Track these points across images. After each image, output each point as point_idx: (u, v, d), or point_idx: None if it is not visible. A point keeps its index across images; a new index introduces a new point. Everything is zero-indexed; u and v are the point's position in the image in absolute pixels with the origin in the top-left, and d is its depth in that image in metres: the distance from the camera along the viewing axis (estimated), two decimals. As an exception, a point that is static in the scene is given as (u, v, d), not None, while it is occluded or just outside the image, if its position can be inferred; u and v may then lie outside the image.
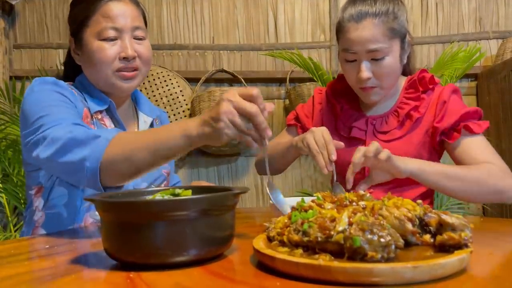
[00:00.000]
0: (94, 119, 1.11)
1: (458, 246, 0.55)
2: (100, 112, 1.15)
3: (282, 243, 0.60)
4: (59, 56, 2.90)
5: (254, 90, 0.74)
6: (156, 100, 2.69)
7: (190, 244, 0.60)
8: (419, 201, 0.64)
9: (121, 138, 0.88)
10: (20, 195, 2.39)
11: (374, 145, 0.98)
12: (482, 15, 2.81)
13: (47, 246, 0.83)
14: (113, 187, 0.90)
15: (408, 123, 1.22)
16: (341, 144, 1.09)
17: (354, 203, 0.64)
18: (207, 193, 0.73)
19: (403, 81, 1.29)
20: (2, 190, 2.42)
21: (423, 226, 0.61)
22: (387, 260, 0.51)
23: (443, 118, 1.18)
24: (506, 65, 2.46)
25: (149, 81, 2.70)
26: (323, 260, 0.51)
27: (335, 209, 0.61)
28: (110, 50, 1.09)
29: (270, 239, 0.64)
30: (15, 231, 2.41)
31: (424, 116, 1.21)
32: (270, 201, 0.99)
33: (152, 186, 1.21)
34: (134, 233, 0.59)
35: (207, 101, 2.53)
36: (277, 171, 1.39)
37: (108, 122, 1.15)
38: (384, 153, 0.98)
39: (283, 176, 2.80)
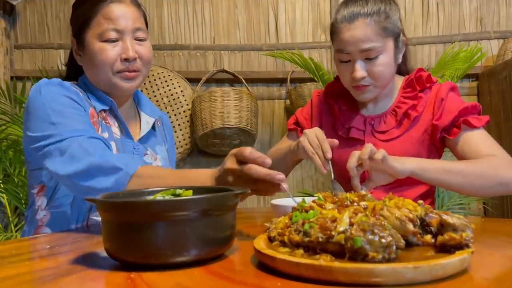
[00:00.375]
0: (99, 118, 1.13)
1: (459, 246, 0.55)
2: (104, 111, 1.16)
3: (283, 244, 0.60)
4: (60, 57, 2.90)
5: (247, 150, 0.79)
6: (157, 101, 2.69)
7: (191, 244, 0.60)
8: (420, 201, 0.64)
9: (141, 176, 0.94)
10: (21, 195, 2.39)
11: (367, 147, 0.99)
12: (483, 15, 2.81)
13: (48, 246, 0.83)
14: None
15: (406, 122, 1.22)
16: (336, 141, 1.09)
17: (355, 204, 0.64)
18: (208, 193, 0.73)
19: (400, 80, 1.30)
20: (3, 190, 2.42)
21: (424, 226, 0.61)
22: (388, 260, 0.51)
23: (442, 116, 1.18)
24: (507, 65, 2.46)
25: (150, 82, 2.70)
26: (324, 260, 0.51)
27: (336, 210, 0.61)
28: (112, 51, 1.10)
29: (271, 240, 0.64)
30: (16, 231, 2.42)
31: (422, 114, 1.22)
32: (271, 201, 0.99)
33: None
34: (135, 233, 0.59)
35: (207, 102, 2.53)
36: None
37: (112, 121, 1.17)
38: (379, 153, 0.98)
39: (284, 176, 2.79)
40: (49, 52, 2.91)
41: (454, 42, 2.70)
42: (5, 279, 0.59)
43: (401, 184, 1.20)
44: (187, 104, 2.71)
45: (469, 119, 1.15)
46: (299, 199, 0.78)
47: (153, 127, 1.28)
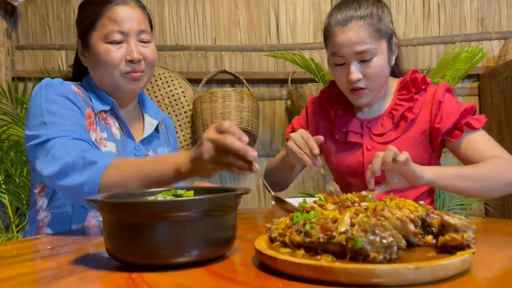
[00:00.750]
0: (97, 119, 1.13)
1: (461, 247, 0.55)
2: (105, 112, 1.16)
3: (284, 244, 0.60)
4: (61, 57, 2.91)
5: (226, 123, 0.80)
6: (158, 101, 2.69)
7: (192, 245, 0.60)
8: (421, 202, 0.64)
9: (117, 165, 0.94)
10: (23, 196, 2.40)
11: (391, 149, 0.98)
12: (484, 16, 2.81)
13: (50, 247, 0.83)
14: None
15: (403, 124, 1.23)
16: (321, 138, 1.11)
17: (356, 204, 0.64)
18: (209, 194, 0.73)
19: (395, 83, 1.30)
20: (4, 191, 2.43)
21: (425, 227, 0.61)
22: (389, 261, 0.51)
23: (442, 119, 1.19)
24: (508, 65, 2.45)
25: (151, 82, 2.70)
26: (325, 261, 0.51)
27: (337, 210, 0.61)
28: (116, 53, 1.11)
29: (272, 240, 0.64)
30: (17, 232, 2.42)
31: (418, 116, 1.23)
32: (272, 202, 0.99)
33: None
34: (136, 233, 0.59)
35: (208, 102, 2.53)
36: (283, 185, 1.40)
37: (112, 121, 1.18)
38: (403, 156, 0.97)
39: (285, 177, 2.79)
40: (50, 52, 2.91)
41: (455, 42, 2.70)
42: (7, 279, 0.59)
43: None
44: (188, 105, 2.71)
45: (470, 121, 1.16)
46: (300, 200, 0.78)
47: (157, 129, 1.29)
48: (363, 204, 0.63)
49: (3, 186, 2.43)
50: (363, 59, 1.16)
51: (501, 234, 0.87)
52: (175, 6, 2.91)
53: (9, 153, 2.41)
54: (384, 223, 0.55)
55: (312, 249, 0.56)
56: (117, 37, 1.11)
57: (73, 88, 1.12)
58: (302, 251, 0.56)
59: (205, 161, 0.81)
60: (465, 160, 1.18)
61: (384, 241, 0.51)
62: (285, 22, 2.90)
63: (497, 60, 2.71)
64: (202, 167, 0.83)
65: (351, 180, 1.28)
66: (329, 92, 1.37)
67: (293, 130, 1.43)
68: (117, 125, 1.18)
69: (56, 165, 0.95)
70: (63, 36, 2.92)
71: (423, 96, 1.24)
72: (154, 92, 2.70)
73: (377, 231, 0.51)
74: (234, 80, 2.85)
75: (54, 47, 2.91)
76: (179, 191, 0.73)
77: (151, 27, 1.21)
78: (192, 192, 0.72)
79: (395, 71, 1.31)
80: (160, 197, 0.72)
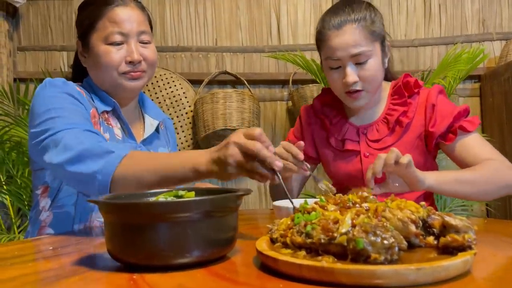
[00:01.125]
0: (101, 119, 1.14)
1: (462, 248, 0.55)
2: (107, 112, 1.17)
3: (285, 245, 0.60)
4: (63, 58, 2.91)
5: (257, 130, 0.78)
6: (159, 102, 2.70)
7: (193, 246, 0.60)
8: (423, 203, 0.64)
9: (133, 157, 0.91)
10: (24, 196, 2.40)
11: (394, 151, 0.98)
12: (486, 17, 2.81)
13: (51, 248, 0.83)
14: None
15: (399, 129, 1.23)
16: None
17: (357, 205, 0.64)
18: (210, 195, 0.73)
19: (387, 87, 1.31)
20: (6, 192, 2.43)
21: (427, 228, 0.61)
22: (390, 262, 0.51)
23: (436, 122, 1.20)
24: (509, 66, 2.45)
25: (152, 83, 2.71)
26: (326, 262, 0.51)
27: (338, 211, 0.61)
28: (116, 54, 1.11)
29: (273, 241, 0.64)
30: (19, 233, 2.42)
31: (413, 120, 1.23)
32: (273, 203, 0.99)
33: None
34: (137, 234, 0.59)
35: (210, 103, 2.53)
36: (292, 194, 1.39)
37: (114, 122, 1.18)
38: (405, 158, 0.97)
39: (286, 178, 2.79)
40: (52, 54, 2.92)
41: (456, 43, 2.70)
42: (8, 280, 0.59)
43: None
44: (189, 106, 2.72)
45: (463, 124, 1.17)
46: (301, 201, 0.78)
47: (157, 130, 1.29)
48: (364, 205, 0.63)
49: (4, 187, 2.44)
50: (359, 61, 1.16)
51: (502, 235, 0.87)
52: (177, 7, 2.92)
53: (10, 154, 2.42)
54: (385, 224, 0.55)
55: (313, 250, 0.56)
56: (117, 38, 1.11)
57: (77, 88, 1.12)
58: (303, 252, 0.56)
59: (229, 164, 0.78)
60: (460, 163, 1.19)
61: (385, 242, 0.51)
62: (286, 23, 2.90)
63: (498, 61, 2.71)
64: (224, 169, 0.80)
65: (350, 187, 1.28)
66: (323, 99, 1.37)
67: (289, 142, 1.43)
68: (118, 125, 1.19)
69: (69, 152, 0.93)
70: (64, 37, 2.93)
71: (416, 99, 1.24)
72: (156, 93, 2.71)
73: (378, 232, 0.51)
74: (235, 81, 2.85)
75: (55, 48, 2.91)
76: (180, 192, 0.73)
77: (151, 28, 1.21)
78: (193, 193, 0.73)
79: (386, 74, 1.31)
80: (161, 198, 0.72)
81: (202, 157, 0.83)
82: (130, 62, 1.12)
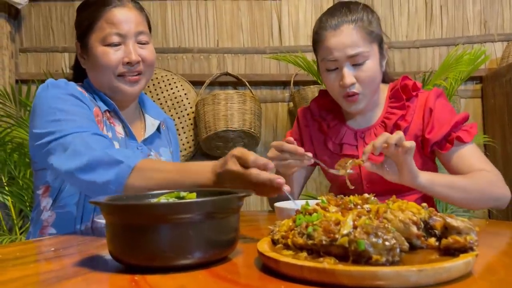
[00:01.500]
0: (104, 118, 1.14)
1: (464, 249, 0.55)
2: (109, 111, 1.18)
3: (287, 246, 0.60)
4: (65, 60, 2.92)
5: (251, 158, 0.80)
6: (161, 104, 2.70)
7: (195, 247, 0.60)
8: (424, 204, 0.64)
9: (142, 170, 0.92)
10: (26, 197, 2.40)
11: (398, 133, 0.97)
12: (487, 18, 2.80)
13: (53, 249, 0.83)
14: None
15: None
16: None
17: (358, 207, 0.64)
18: (211, 196, 0.73)
19: (385, 90, 1.29)
20: (8, 193, 2.43)
21: (428, 229, 0.61)
22: (392, 263, 0.51)
23: (433, 129, 1.18)
24: (511, 67, 2.45)
25: (153, 85, 2.71)
26: (327, 263, 0.51)
27: (340, 212, 0.61)
28: (114, 55, 1.11)
29: (274, 242, 0.64)
30: (20, 234, 2.43)
31: (411, 124, 1.22)
32: (275, 204, 0.99)
33: None
34: (139, 235, 0.59)
35: (211, 104, 2.53)
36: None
37: (116, 121, 1.19)
38: (409, 142, 0.97)
39: (287, 179, 2.79)
40: (53, 55, 2.92)
41: (458, 44, 2.69)
42: (10, 281, 0.59)
43: (401, 190, 1.19)
44: (191, 107, 2.72)
45: (461, 135, 1.15)
46: (302, 202, 0.78)
47: (158, 130, 1.30)
48: (366, 206, 0.63)
49: (6, 188, 2.44)
50: (356, 62, 1.15)
51: (505, 236, 0.87)
52: (178, 9, 2.92)
53: (12, 155, 2.42)
54: (386, 225, 0.55)
55: (315, 251, 0.56)
56: (115, 39, 1.11)
57: (78, 88, 1.12)
58: (304, 253, 0.56)
59: (230, 186, 0.82)
60: (453, 172, 1.18)
61: (387, 243, 0.51)
62: (287, 24, 2.90)
63: (500, 62, 2.70)
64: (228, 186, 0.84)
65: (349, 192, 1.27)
66: (320, 102, 1.35)
67: None
68: (120, 125, 1.20)
69: (79, 159, 0.94)
70: (66, 39, 2.94)
71: (415, 102, 1.23)
72: (157, 94, 2.71)
73: (379, 234, 0.51)
74: (236, 83, 2.85)
75: (57, 50, 2.92)
76: (182, 193, 0.73)
77: (150, 29, 1.21)
78: (194, 194, 0.73)
79: (383, 77, 1.29)
80: (163, 199, 0.72)
81: (209, 176, 0.87)
82: (128, 63, 1.12)
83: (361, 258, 0.51)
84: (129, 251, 0.61)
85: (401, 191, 1.17)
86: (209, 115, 2.53)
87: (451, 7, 2.82)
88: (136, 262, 0.61)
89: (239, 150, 0.83)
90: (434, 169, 1.29)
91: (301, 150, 1.04)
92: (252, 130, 2.56)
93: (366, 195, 0.69)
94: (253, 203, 2.83)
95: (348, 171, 1.04)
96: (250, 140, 2.64)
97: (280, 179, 0.79)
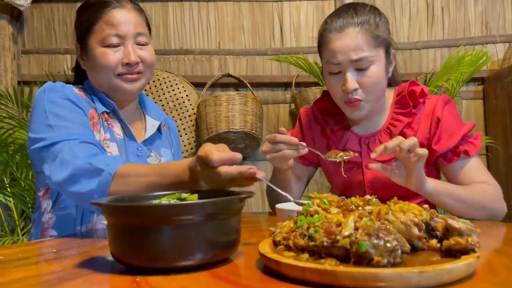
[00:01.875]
0: (100, 119, 1.15)
1: (465, 251, 0.55)
2: (107, 113, 1.18)
3: (288, 248, 0.60)
4: (67, 61, 2.93)
5: (214, 157, 0.79)
6: (163, 105, 2.70)
7: (196, 248, 0.60)
8: (426, 205, 0.64)
9: (124, 175, 0.93)
10: (28, 199, 2.41)
11: (412, 139, 0.96)
12: (489, 19, 2.80)
13: (54, 250, 0.84)
14: None
15: None
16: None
17: (360, 208, 0.64)
18: (213, 197, 0.73)
19: (391, 94, 1.26)
20: (10, 194, 2.44)
21: (430, 231, 0.61)
22: (393, 265, 0.51)
23: (440, 140, 1.16)
24: (513, 69, 2.44)
25: (155, 86, 2.72)
26: (329, 264, 0.51)
27: (341, 214, 0.61)
28: (113, 56, 1.12)
29: (276, 244, 0.64)
30: (22, 235, 2.43)
31: (417, 133, 1.18)
32: (276, 206, 0.99)
33: None
34: (140, 237, 0.60)
35: (213, 106, 2.54)
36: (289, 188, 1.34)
37: (114, 122, 1.19)
38: (422, 150, 0.96)
39: (289, 181, 2.79)
40: (55, 57, 2.93)
41: (459, 46, 2.70)
42: (12, 282, 0.60)
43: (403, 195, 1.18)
44: (193, 109, 2.72)
45: (467, 148, 1.14)
46: (304, 202, 0.78)
47: (159, 130, 1.30)
48: (367, 208, 0.63)
49: (8, 189, 2.45)
50: (360, 67, 1.11)
51: (506, 238, 0.87)
52: (180, 10, 2.93)
53: (14, 156, 2.43)
54: (388, 227, 0.55)
55: (316, 252, 0.56)
56: (114, 40, 1.12)
57: (75, 90, 1.13)
58: (306, 255, 0.56)
59: (208, 184, 0.83)
60: (453, 181, 1.17)
61: (388, 245, 0.51)
62: (289, 25, 2.90)
63: (501, 63, 2.70)
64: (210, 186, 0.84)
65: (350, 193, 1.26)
66: (323, 104, 1.31)
67: None
68: (119, 126, 1.20)
69: (65, 171, 0.96)
70: (68, 41, 2.94)
71: (422, 110, 1.19)
72: (159, 96, 2.72)
73: (381, 235, 0.51)
74: (238, 84, 2.85)
75: (59, 51, 2.93)
76: (183, 195, 0.73)
77: (149, 30, 1.21)
78: (196, 195, 0.73)
79: (390, 80, 1.25)
80: (164, 201, 0.72)
81: (186, 175, 0.87)
82: (127, 64, 1.13)
83: (363, 259, 0.51)
84: (131, 252, 0.61)
85: (403, 197, 1.16)
86: (210, 116, 2.54)
87: (452, 8, 2.82)
88: (138, 263, 0.61)
89: (203, 150, 0.82)
90: (438, 177, 1.26)
91: (295, 139, 1.02)
92: (254, 131, 2.56)
93: (367, 196, 0.69)
94: (254, 204, 2.83)
95: (345, 158, 1.05)
96: (251, 141, 2.64)
97: (252, 169, 0.77)
